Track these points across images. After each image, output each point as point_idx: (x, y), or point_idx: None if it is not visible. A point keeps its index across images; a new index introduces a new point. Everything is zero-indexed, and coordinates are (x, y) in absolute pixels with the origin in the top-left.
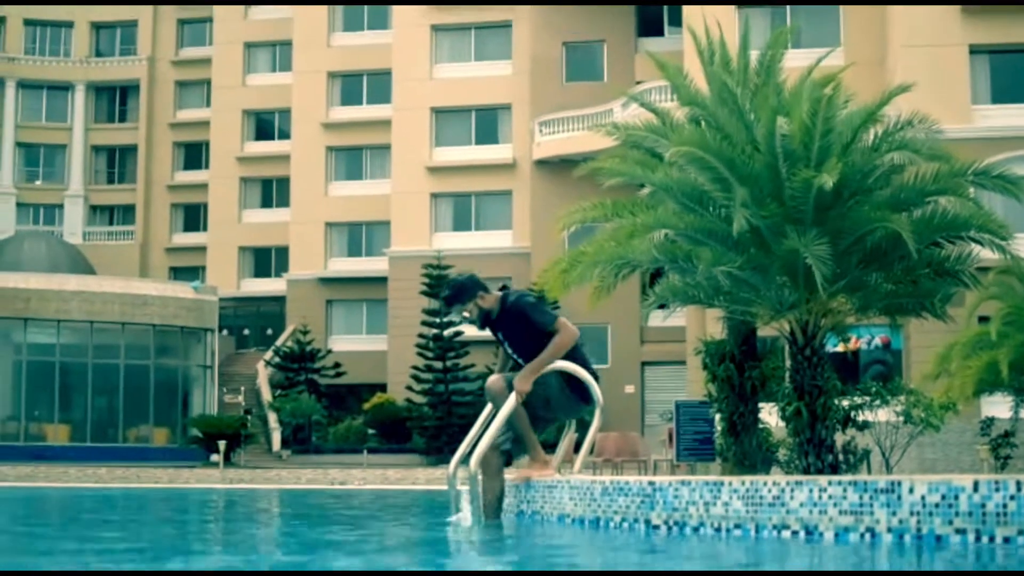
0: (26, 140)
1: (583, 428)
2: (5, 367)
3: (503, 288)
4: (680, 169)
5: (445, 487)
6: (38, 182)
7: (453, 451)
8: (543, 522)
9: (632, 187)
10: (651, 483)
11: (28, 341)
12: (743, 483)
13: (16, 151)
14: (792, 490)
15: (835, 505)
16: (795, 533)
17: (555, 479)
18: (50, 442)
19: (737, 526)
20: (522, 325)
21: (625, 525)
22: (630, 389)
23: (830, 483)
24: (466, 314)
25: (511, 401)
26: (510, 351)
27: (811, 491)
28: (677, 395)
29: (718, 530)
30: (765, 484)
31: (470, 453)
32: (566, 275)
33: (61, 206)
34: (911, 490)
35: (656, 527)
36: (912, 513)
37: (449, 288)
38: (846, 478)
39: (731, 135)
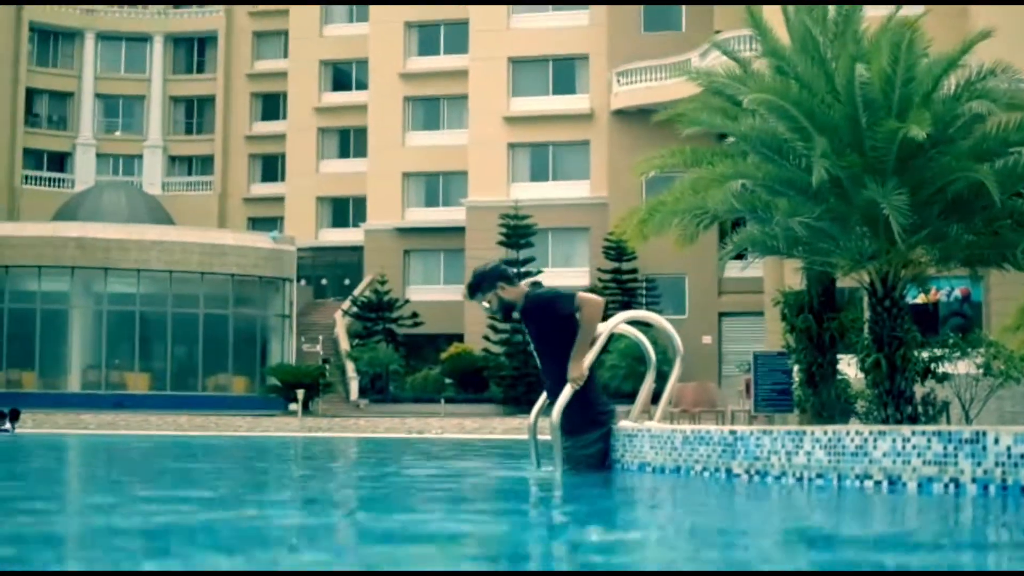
0: (105, 92)
1: (662, 378)
2: (86, 316)
3: (534, 284)
4: (760, 118)
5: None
6: (117, 133)
7: (530, 401)
8: (623, 471)
9: (710, 137)
10: (732, 432)
11: (109, 291)
12: (825, 432)
13: (95, 103)
14: (875, 440)
15: (919, 455)
16: (878, 483)
17: (636, 428)
18: (131, 391)
19: (819, 476)
20: (547, 317)
21: (706, 474)
22: (707, 340)
23: (914, 433)
24: (486, 304)
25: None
26: (532, 347)
27: (894, 441)
28: (754, 346)
29: (800, 480)
30: (848, 434)
31: (551, 404)
32: (644, 225)
33: (140, 157)
34: (996, 440)
35: (737, 476)
36: (997, 464)
37: (472, 276)
38: (930, 428)
39: (811, 84)
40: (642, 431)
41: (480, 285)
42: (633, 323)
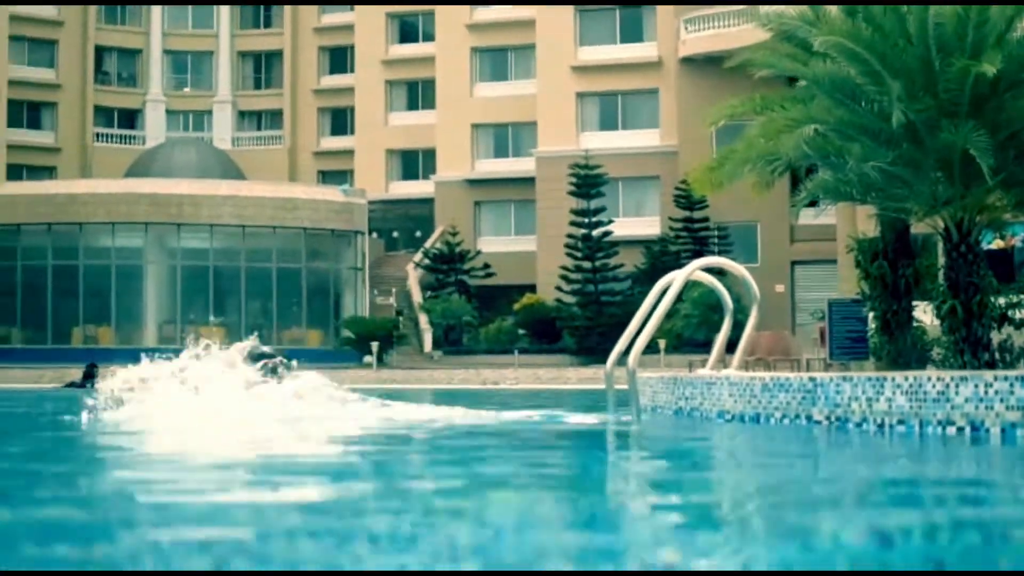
0: (173, 48)
1: (737, 327)
2: (160, 272)
3: None
4: (832, 62)
5: (597, 387)
6: (186, 89)
7: (603, 351)
8: (702, 418)
9: (781, 84)
10: (812, 379)
11: (182, 246)
12: (907, 379)
13: (164, 59)
14: (957, 386)
15: (1002, 400)
16: (960, 429)
17: (714, 376)
18: None
19: (900, 422)
20: None
21: (786, 421)
22: (780, 288)
23: (996, 378)
24: None
25: (669, 299)
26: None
27: (976, 387)
28: (828, 294)
29: (881, 426)
30: (929, 379)
31: (626, 351)
32: (715, 173)
33: (210, 112)
34: None
35: (818, 423)
36: None
37: None
38: (1013, 373)
39: (883, 26)
40: (720, 379)
41: None
42: (708, 270)
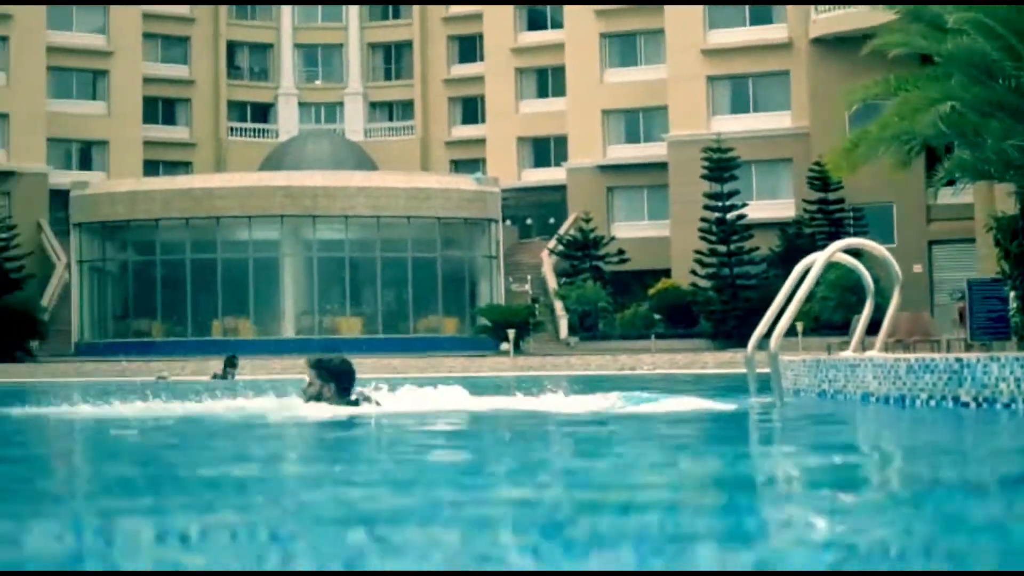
0: (304, 41)
1: (876, 309)
2: (297, 264)
3: None
4: (967, 38)
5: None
6: (317, 82)
7: (740, 335)
8: (846, 401)
9: (913, 63)
10: (959, 360)
11: (317, 237)
12: None
13: (295, 52)
14: None
15: None
16: None
17: (858, 358)
18: (344, 335)
19: None
20: None
21: (931, 403)
22: (917, 268)
23: None
24: None
25: (811, 280)
26: None
27: None
28: (966, 274)
29: None
30: None
31: (767, 335)
32: (850, 155)
33: (341, 104)
34: None
35: (964, 404)
36: None
37: None
38: None
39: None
40: (864, 361)
41: None
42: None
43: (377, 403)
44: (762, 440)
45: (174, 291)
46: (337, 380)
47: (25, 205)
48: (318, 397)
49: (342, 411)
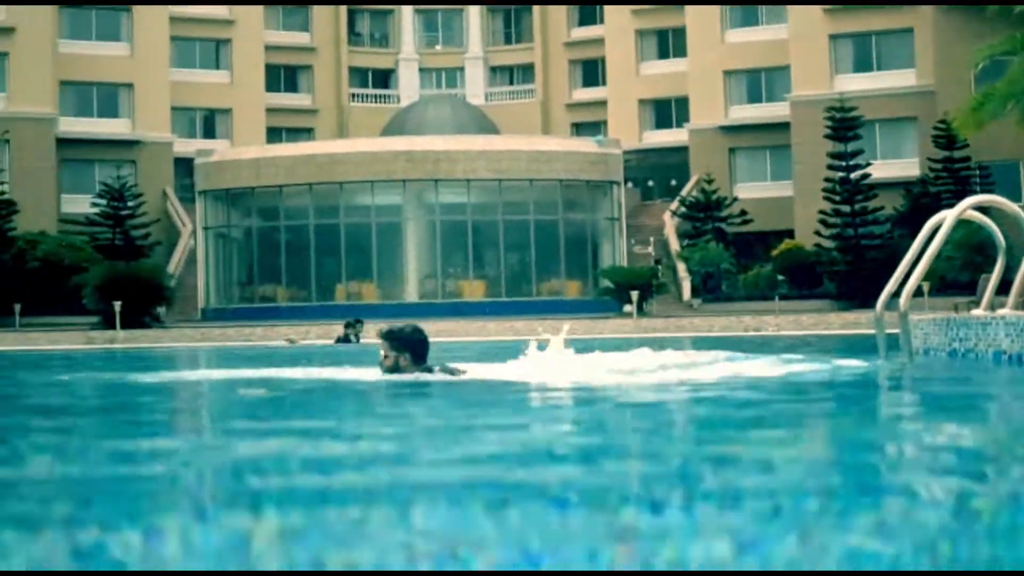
0: (424, 7)
1: (1008, 269)
2: (420, 227)
3: None
4: None
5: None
6: (438, 47)
7: (865, 295)
8: (978, 360)
9: None
10: None
11: (440, 201)
12: None
13: (415, 18)
14: None
15: None
16: None
17: (990, 316)
18: (466, 298)
19: None
20: None
21: None
22: None
23: None
24: None
25: (940, 238)
26: None
27: None
28: None
29: None
30: None
31: (895, 294)
32: (976, 113)
33: (461, 69)
34: None
35: None
36: None
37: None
38: None
39: None
40: (996, 319)
41: None
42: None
43: (463, 372)
44: (911, 398)
45: (298, 256)
46: (412, 349)
47: (151, 173)
48: (396, 368)
49: (436, 377)
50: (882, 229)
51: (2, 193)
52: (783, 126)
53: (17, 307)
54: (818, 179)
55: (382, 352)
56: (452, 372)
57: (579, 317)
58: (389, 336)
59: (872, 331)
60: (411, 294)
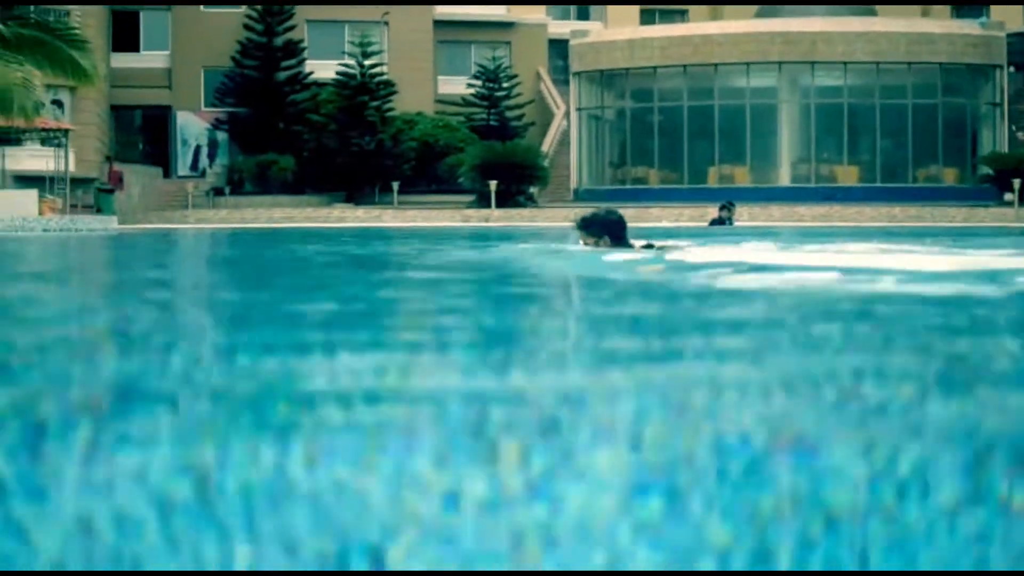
0: None
1: None
2: (793, 111)
3: None
4: None
5: None
6: None
7: None
8: None
9: None
10: None
11: (815, 84)
12: None
13: None
14: None
15: None
16: None
17: None
18: (840, 183)
19: None
20: None
21: None
22: None
23: None
24: None
25: None
26: None
27: None
28: None
29: None
30: None
31: None
32: None
33: None
34: None
35: None
36: None
37: None
38: None
39: None
40: None
41: None
42: None
43: (663, 247)
44: None
45: (671, 138)
46: (609, 231)
47: (525, 55)
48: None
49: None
50: None
51: (382, 75)
52: None
53: (395, 185)
54: None
55: (581, 242)
56: (653, 247)
57: (956, 205)
58: (583, 224)
59: None
60: (783, 178)
